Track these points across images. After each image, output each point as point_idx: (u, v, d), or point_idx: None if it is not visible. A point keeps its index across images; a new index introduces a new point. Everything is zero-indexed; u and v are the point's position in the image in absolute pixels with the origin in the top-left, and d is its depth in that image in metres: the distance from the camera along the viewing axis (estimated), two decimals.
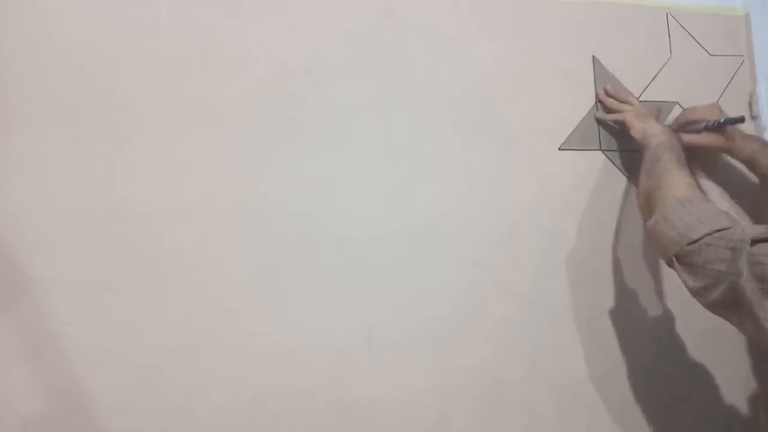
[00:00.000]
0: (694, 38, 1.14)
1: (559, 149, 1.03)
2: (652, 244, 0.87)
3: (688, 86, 1.12)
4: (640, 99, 1.09)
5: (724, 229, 0.76)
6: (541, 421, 0.99)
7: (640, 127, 0.98)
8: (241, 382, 0.84)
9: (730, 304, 0.73)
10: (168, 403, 0.81)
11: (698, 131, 1.03)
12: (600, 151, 1.06)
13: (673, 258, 0.80)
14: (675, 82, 1.11)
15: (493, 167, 0.99)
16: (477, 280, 0.97)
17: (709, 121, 1.02)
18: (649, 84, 1.10)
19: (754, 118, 1.18)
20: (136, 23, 0.83)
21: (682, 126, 1.04)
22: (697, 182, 0.87)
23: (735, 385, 1.10)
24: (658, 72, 1.11)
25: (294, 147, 0.89)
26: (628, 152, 1.05)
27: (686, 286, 0.79)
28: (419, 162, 0.95)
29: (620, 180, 1.06)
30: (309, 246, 0.88)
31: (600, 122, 1.06)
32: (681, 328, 1.08)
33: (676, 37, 1.13)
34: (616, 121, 1.04)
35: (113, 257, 0.80)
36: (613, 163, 1.06)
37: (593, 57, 1.06)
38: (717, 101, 1.14)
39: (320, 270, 0.89)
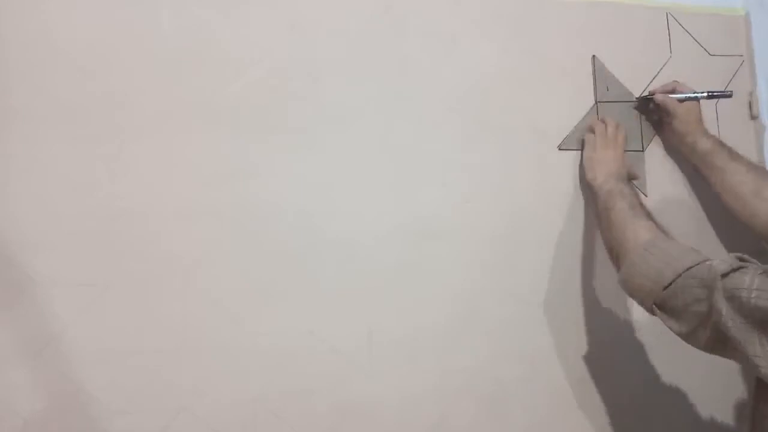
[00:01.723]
0: (694, 38, 1.14)
1: (559, 149, 1.03)
2: (629, 294, 0.85)
3: (689, 86, 1.12)
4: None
5: (695, 266, 0.75)
6: (540, 421, 0.99)
7: (590, 176, 0.98)
8: (241, 383, 0.84)
9: (719, 344, 0.71)
10: (168, 403, 0.81)
11: (681, 100, 1.03)
12: None
13: (654, 307, 0.79)
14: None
15: (494, 167, 0.99)
16: (477, 281, 0.97)
17: (696, 90, 1.04)
18: (649, 84, 1.10)
19: (753, 118, 1.18)
20: (137, 23, 0.82)
21: (668, 91, 1.05)
22: (655, 222, 0.86)
23: (736, 387, 1.10)
24: (658, 72, 1.11)
25: (294, 147, 0.89)
26: (627, 152, 1.05)
27: (674, 333, 0.77)
28: (419, 162, 0.95)
29: None
30: (309, 246, 0.88)
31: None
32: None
33: (676, 37, 1.13)
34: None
35: (113, 257, 0.80)
36: None
37: (593, 57, 1.06)
38: (717, 101, 1.14)
39: (321, 270, 0.89)
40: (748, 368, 0.70)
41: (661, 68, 1.11)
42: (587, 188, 1.01)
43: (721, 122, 1.14)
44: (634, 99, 1.09)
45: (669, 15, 1.13)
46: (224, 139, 0.85)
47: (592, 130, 1.02)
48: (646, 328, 1.06)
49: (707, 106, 1.12)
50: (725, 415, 1.09)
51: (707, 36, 1.15)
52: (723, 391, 1.09)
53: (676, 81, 1.07)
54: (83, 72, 0.80)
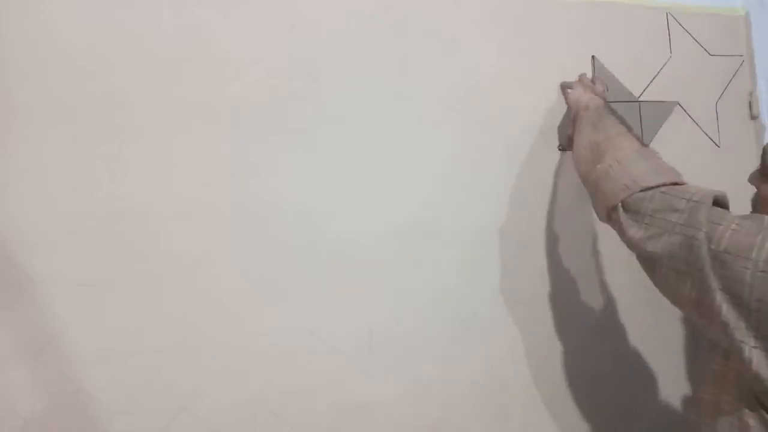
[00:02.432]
0: (694, 38, 1.14)
1: (559, 149, 1.03)
2: (596, 191, 0.82)
3: (688, 86, 1.12)
4: (640, 99, 1.09)
5: (682, 184, 0.75)
6: (540, 422, 0.99)
7: (577, 92, 0.96)
8: (241, 383, 0.84)
9: (678, 267, 0.69)
10: (168, 403, 0.81)
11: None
12: None
13: (618, 205, 0.77)
14: (675, 82, 1.12)
15: (493, 167, 0.99)
16: (477, 281, 0.97)
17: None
18: (649, 84, 1.10)
19: (753, 118, 1.18)
20: (137, 24, 0.82)
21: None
22: None
23: None
24: (658, 72, 1.11)
25: (294, 147, 0.89)
26: None
27: (624, 237, 0.76)
28: (419, 162, 0.95)
29: None
30: (309, 246, 0.88)
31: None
32: (690, 331, 1.08)
33: (676, 37, 1.13)
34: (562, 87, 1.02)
35: (113, 257, 0.80)
36: None
37: (593, 57, 1.06)
38: (717, 101, 1.14)
39: (320, 270, 0.88)
40: (725, 342, 0.67)
41: (662, 68, 1.11)
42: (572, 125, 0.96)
43: (721, 122, 1.14)
44: (635, 99, 1.08)
45: (669, 15, 1.13)
46: (224, 139, 0.85)
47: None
48: (650, 329, 1.06)
49: (707, 107, 1.12)
50: None
51: (707, 36, 1.15)
52: None
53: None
54: (83, 72, 0.80)
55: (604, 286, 1.04)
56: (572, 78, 1.04)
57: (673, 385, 1.07)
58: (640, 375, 1.06)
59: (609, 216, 0.80)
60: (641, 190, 0.76)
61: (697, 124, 1.13)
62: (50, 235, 0.78)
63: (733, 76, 1.17)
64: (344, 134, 0.91)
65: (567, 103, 0.98)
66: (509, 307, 0.98)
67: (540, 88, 1.03)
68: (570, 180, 1.03)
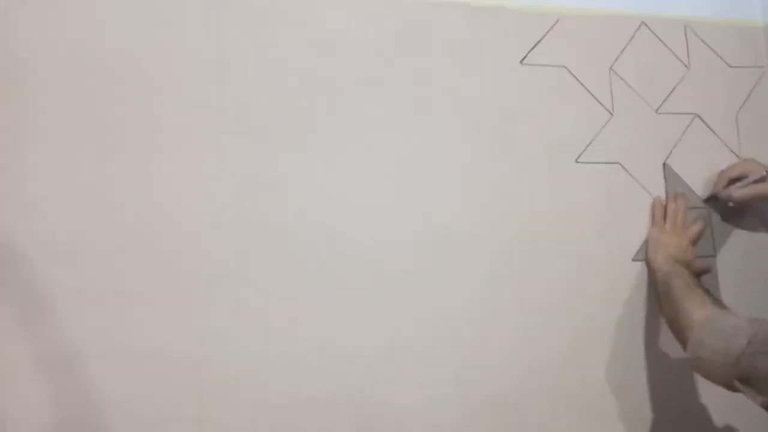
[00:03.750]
0: (713, 50, 1.14)
1: (577, 161, 1.04)
2: (703, 374, 0.82)
3: (708, 98, 1.12)
4: (659, 111, 1.09)
5: (760, 331, 0.74)
6: (560, 431, 0.98)
7: (648, 258, 1.00)
8: (262, 392, 0.85)
9: None
10: (190, 412, 0.82)
11: (745, 185, 1.02)
12: (618, 164, 1.06)
13: (735, 382, 0.76)
14: (694, 95, 1.11)
15: (512, 179, 1.00)
16: (496, 291, 0.97)
17: (754, 174, 1.01)
18: (668, 96, 1.10)
19: None
20: (166, 40, 0.85)
21: (727, 185, 1.04)
22: (713, 297, 0.87)
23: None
24: (677, 84, 1.11)
25: (317, 159, 0.91)
26: (699, 258, 1.04)
27: (759, 405, 0.74)
28: (438, 174, 0.96)
29: (639, 192, 1.06)
30: (332, 257, 0.90)
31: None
32: None
33: (694, 50, 1.13)
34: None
35: (140, 269, 0.82)
36: (632, 176, 1.06)
37: (664, 164, 1.07)
38: (737, 113, 1.13)
39: (342, 280, 0.90)
40: None
41: (680, 80, 1.11)
42: (647, 266, 1.01)
43: (742, 134, 1.14)
44: (701, 204, 1.08)
45: (687, 28, 1.13)
46: (251, 152, 0.88)
47: (663, 206, 1.03)
48: (668, 339, 1.05)
49: (728, 119, 1.12)
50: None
51: (726, 48, 1.14)
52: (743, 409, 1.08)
53: (720, 171, 1.06)
54: (115, 85, 0.83)
55: (623, 296, 1.04)
56: (590, 90, 1.04)
57: (710, 399, 1.06)
58: (669, 388, 1.04)
59: (735, 390, 0.78)
60: (737, 360, 0.74)
61: (717, 136, 1.12)
62: (79, 248, 0.80)
63: (754, 87, 1.16)
64: (367, 147, 0.93)
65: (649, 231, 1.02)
66: (529, 317, 0.98)
67: (558, 100, 1.03)
68: (588, 192, 1.03)
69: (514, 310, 0.98)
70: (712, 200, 1.08)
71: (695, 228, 1.04)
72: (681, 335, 0.86)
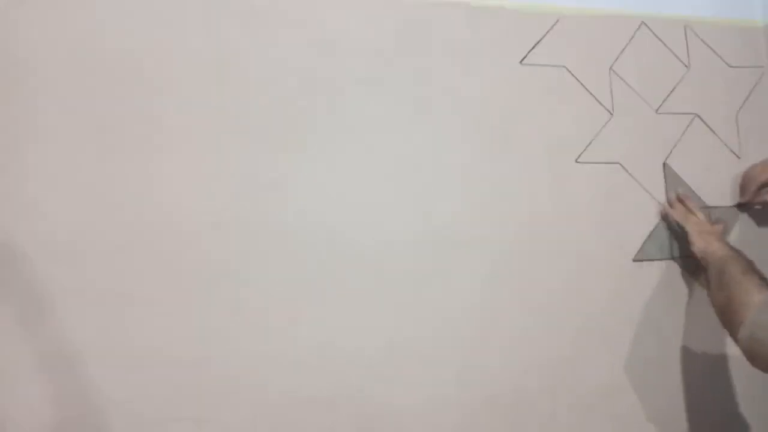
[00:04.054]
0: (713, 50, 1.14)
1: (577, 161, 1.04)
2: (758, 355, 0.81)
3: (708, 98, 1.12)
4: (659, 111, 1.09)
5: None
6: (560, 431, 0.98)
7: (700, 246, 0.98)
8: (262, 392, 0.85)
9: None
10: (190, 412, 0.82)
11: None
12: (618, 164, 1.06)
13: None
14: (694, 95, 1.11)
15: (511, 179, 1.00)
16: (496, 291, 0.97)
17: None
18: (668, 96, 1.10)
19: None
20: (166, 40, 0.85)
21: (755, 193, 1.05)
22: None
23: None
24: (677, 84, 1.11)
25: (317, 159, 0.91)
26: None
27: None
28: (438, 174, 0.96)
29: (639, 192, 1.06)
30: (331, 257, 0.90)
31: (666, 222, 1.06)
32: (706, 339, 1.07)
33: (694, 50, 1.13)
34: (679, 226, 1.04)
35: (140, 268, 0.82)
36: (632, 176, 1.06)
37: (664, 164, 1.07)
38: (737, 113, 1.13)
39: (342, 280, 0.90)
40: None
41: (680, 80, 1.11)
42: (700, 257, 0.98)
43: (742, 134, 1.14)
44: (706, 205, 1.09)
45: (687, 28, 1.13)
46: (250, 152, 0.88)
47: (682, 204, 1.04)
48: (668, 339, 1.05)
49: (728, 118, 1.12)
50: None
51: (726, 48, 1.15)
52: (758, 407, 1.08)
53: (743, 178, 1.07)
54: (112, 87, 0.83)
55: (622, 294, 1.04)
56: (590, 90, 1.05)
57: (706, 397, 1.06)
58: (670, 386, 1.05)
59: None
60: None
61: (717, 136, 1.12)
62: (79, 248, 0.80)
63: (754, 87, 1.16)
64: (367, 147, 0.93)
65: (693, 251, 1.00)
66: (529, 317, 0.98)
67: (558, 100, 1.03)
68: (588, 192, 1.03)
69: (514, 310, 0.98)
70: (742, 206, 1.09)
71: (721, 225, 1.04)
72: (733, 318, 0.84)
